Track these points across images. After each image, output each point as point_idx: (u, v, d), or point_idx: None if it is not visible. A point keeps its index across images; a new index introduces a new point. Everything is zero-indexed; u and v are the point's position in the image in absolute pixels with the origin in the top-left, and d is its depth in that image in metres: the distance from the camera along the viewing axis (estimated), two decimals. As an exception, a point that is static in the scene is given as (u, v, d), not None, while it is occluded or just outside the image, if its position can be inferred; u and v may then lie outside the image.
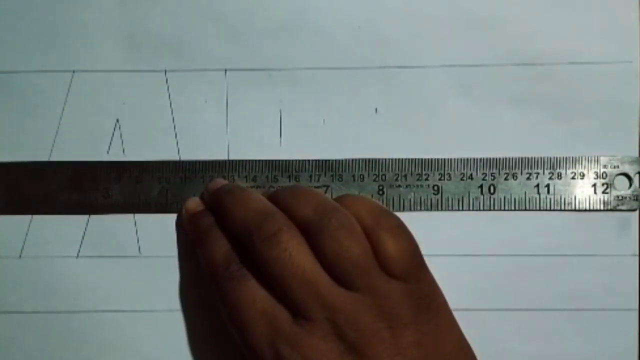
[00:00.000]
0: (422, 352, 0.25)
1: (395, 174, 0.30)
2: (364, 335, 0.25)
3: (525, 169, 0.30)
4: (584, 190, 0.30)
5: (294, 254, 0.25)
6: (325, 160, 0.30)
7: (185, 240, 0.30)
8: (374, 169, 0.30)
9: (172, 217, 0.30)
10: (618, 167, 0.30)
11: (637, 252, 0.30)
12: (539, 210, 0.30)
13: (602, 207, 0.30)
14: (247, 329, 0.25)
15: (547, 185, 0.30)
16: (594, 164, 0.30)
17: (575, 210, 0.30)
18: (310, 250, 0.26)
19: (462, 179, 0.30)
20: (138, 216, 0.30)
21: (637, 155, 0.30)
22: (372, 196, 0.30)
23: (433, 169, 0.30)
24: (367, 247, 0.25)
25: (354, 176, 0.30)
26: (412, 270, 0.26)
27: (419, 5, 0.30)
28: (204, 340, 0.30)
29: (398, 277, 0.25)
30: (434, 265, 0.27)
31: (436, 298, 0.26)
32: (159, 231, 0.30)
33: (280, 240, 0.25)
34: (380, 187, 0.30)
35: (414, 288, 0.25)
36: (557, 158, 0.30)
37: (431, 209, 0.30)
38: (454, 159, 0.30)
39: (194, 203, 0.29)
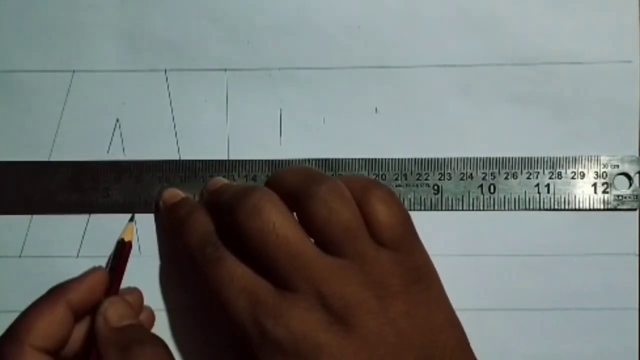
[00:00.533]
0: (411, 323, 0.24)
1: (395, 174, 0.30)
2: (350, 305, 0.24)
3: (525, 168, 0.30)
4: (584, 189, 0.30)
5: (278, 224, 0.24)
6: (325, 160, 0.30)
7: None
8: (374, 169, 0.30)
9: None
10: (618, 166, 0.30)
11: (637, 252, 0.30)
12: (539, 209, 0.30)
13: (602, 207, 0.30)
14: (229, 307, 0.25)
15: (547, 185, 0.30)
16: (594, 164, 0.30)
17: (575, 209, 0.30)
18: (296, 220, 0.25)
19: (462, 179, 0.30)
20: (138, 216, 0.30)
21: (637, 155, 0.30)
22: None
23: (433, 168, 0.30)
24: (357, 213, 0.25)
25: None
26: (403, 240, 0.25)
27: (419, 5, 0.30)
28: (205, 339, 0.30)
29: (388, 246, 0.25)
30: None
31: (428, 270, 0.26)
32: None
33: (262, 212, 0.25)
34: (380, 187, 0.30)
35: (405, 258, 0.25)
36: (557, 157, 0.30)
37: (431, 209, 0.30)
38: (454, 158, 0.30)
39: (170, 194, 0.29)
